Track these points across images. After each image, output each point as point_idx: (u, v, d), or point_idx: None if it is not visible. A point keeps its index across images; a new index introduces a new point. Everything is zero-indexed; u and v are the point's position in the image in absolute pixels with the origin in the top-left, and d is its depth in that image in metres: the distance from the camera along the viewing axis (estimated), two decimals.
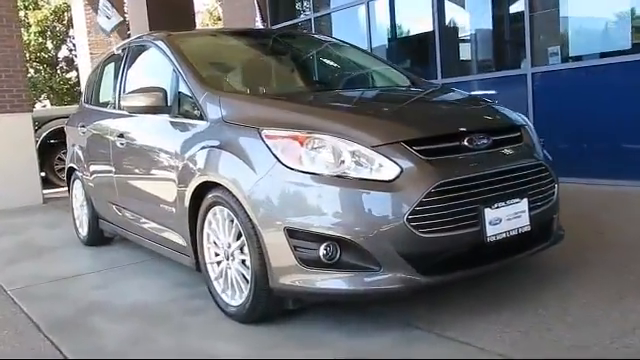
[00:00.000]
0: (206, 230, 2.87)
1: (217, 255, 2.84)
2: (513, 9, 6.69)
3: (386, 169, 2.33)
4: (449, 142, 2.48)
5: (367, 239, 2.28)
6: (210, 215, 2.81)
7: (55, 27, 21.91)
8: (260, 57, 3.78)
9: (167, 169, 3.12)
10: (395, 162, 2.33)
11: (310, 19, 8.84)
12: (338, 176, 2.34)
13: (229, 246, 2.71)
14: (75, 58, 21.18)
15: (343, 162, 2.35)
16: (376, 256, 2.29)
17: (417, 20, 7.51)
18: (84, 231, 4.78)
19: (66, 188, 9.39)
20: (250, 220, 2.49)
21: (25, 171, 7.56)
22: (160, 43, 3.47)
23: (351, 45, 4.07)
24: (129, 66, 3.88)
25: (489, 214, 2.41)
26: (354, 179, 2.32)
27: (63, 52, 22.81)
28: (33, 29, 21.27)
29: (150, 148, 3.34)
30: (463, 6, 7.33)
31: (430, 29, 7.15)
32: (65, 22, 21.55)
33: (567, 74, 5.94)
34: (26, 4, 20.38)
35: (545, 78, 6.02)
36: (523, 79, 6.14)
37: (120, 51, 4.11)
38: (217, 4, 25.16)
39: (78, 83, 19.24)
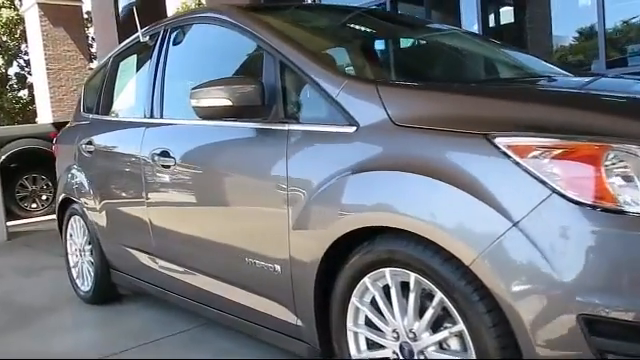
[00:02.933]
0: (355, 304, 1.74)
1: (376, 347, 1.72)
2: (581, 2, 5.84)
3: None
4: None
5: None
6: (367, 281, 1.69)
7: (5, 42, 20.11)
8: (384, 38, 2.65)
9: (269, 205, 1.97)
10: None
11: None
12: None
13: (414, 337, 1.59)
14: (28, 75, 19.49)
15: None
16: None
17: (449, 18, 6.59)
18: (86, 285, 3.54)
19: (33, 220, 8.18)
20: (484, 298, 1.39)
21: None
22: (231, 18, 2.33)
23: (461, 29, 3.01)
24: (169, 56, 2.72)
25: None
26: None
27: (14, 69, 21.01)
28: None
29: (231, 172, 2.18)
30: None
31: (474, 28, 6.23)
32: (17, 36, 19.81)
33: None
34: None
35: None
36: None
37: (148, 38, 2.94)
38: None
39: (32, 101, 17.60)
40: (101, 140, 3.19)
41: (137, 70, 3.10)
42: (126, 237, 3.03)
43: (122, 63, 3.30)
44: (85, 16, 16.81)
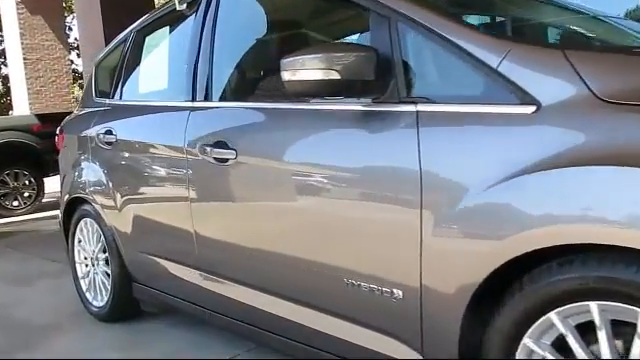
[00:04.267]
0: (529, 346, 1.29)
1: None
2: None
3: None
4: None
5: None
6: (554, 317, 1.23)
7: None
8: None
9: (387, 211, 1.51)
10: None
11: None
12: None
13: None
14: (3, 66, 18.58)
15: None
16: None
17: None
18: (100, 299, 3.02)
19: (15, 219, 7.47)
20: None
21: None
22: None
23: None
24: (219, 25, 2.20)
25: None
26: None
27: None
28: None
29: (326, 167, 1.68)
30: None
31: None
32: None
33: None
34: None
35: None
36: None
37: (185, 5, 2.43)
38: None
39: (7, 93, 16.75)
40: (125, 129, 2.67)
41: (171, 45, 2.59)
42: (157, 246, 2.53)
43: (149, 38, 2.77)
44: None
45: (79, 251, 3.19)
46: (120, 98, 2.87)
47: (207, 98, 2.18)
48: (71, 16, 20.58)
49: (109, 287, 2.91)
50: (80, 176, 3.05)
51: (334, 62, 1.49)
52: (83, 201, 3.03)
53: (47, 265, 4.46)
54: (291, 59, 1.53)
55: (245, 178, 1.96)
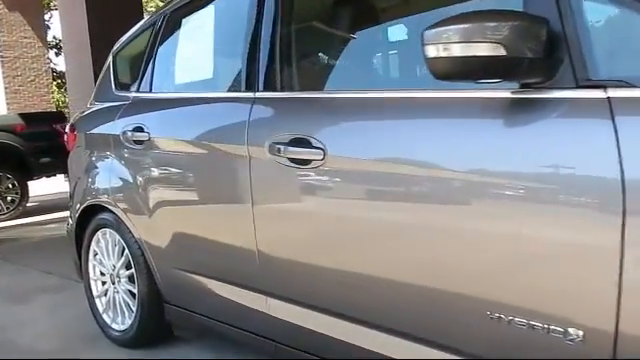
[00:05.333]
0: None
1: None
2: None
3: None
4: None
5: None
6: None
7: None
8: None
9: (562, 226, 1.16)
10: None
11: None
12: None
13: None
14: None
15: None
16: None
17: None
18: (121, 322, 2.62)
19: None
20: None
21: None
22: None
23: None
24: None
25: None
26: None
27: None
28: None
29: (470, 172, 1.31)
30: None
31: None
32: None
33: None
34: None
35: None
36: None
37: None
38: None
39: None
40: (161, 125, 2.27)
41: (218, 26, 2.20)
42: (201, 262, 2.14)
43: (185, 20, 2.38)
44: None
45: (94, 266, 2.78)
46: (150, 90, 2.46)
47: (275, 87, 1.81)
48: (49, 14, 19.89)
49: (134, 308, 2.51)
50: (98, 181, 2.65)
51: (497, 34, 1.14)
52: (101, 209, 2.62)
53: (44, 278, 4.04)
54: (438, 30, 1.17)
55: (337, 184, 1.59)
